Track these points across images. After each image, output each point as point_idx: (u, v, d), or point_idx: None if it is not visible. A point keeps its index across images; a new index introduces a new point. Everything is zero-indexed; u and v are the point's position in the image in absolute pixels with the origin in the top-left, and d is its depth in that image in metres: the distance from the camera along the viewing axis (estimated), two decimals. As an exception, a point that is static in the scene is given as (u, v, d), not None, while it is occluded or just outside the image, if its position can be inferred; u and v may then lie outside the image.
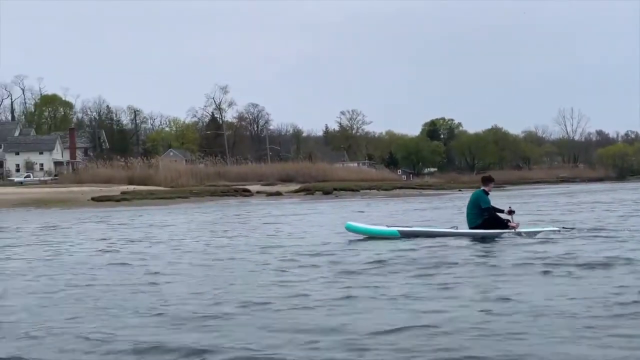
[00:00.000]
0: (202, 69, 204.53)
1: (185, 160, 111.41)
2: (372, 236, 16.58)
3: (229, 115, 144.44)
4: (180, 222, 30.11)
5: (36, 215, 43.58)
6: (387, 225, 17.79)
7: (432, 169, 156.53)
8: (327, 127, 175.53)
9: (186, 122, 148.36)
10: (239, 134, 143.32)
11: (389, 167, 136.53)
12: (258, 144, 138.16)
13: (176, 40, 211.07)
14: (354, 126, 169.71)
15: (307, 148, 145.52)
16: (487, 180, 17.31)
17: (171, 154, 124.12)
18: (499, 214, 16.68)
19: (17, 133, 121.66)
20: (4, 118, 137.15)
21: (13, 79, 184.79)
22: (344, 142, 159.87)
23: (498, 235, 16.00)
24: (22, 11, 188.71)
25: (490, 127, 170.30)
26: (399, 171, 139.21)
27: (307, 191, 74.68)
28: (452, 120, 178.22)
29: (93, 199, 62.17)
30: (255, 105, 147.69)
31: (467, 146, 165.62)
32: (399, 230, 16.67)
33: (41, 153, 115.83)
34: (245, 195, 69.82)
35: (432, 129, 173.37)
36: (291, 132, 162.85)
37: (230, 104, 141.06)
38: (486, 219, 16.42)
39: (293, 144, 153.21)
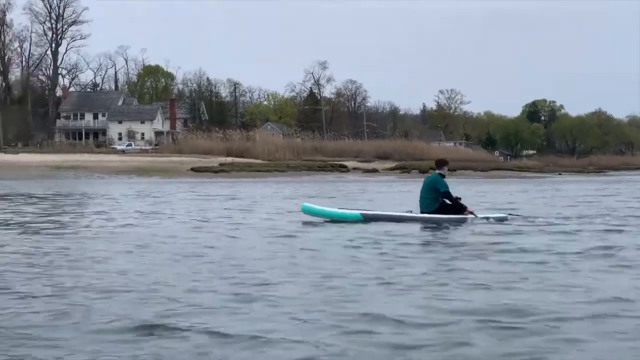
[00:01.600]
0: (302, 43, 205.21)
1: (282, 134, 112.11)
2: (333, 219, 15.26)
3: (327, 91, 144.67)
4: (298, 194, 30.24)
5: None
6: (342, 208, 16.34)
7: (531, 152, 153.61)
8: (424, 106, 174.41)
9: (284, 96, 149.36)
10: (337, 110, 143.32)
11: (486, 148, 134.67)
12: (355, 121, 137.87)
13: (277, 14, 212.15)
14: (452, 106, 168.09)
15: (403, 126, 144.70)
16: (442, 163, 16.17)
17: (269, 127, 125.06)
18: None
19: (120, 102, 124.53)
20: (107, 87, 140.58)
21: (117, 49, 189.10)
22: (441, 121, 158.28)
23: (462, 221, 14.99)
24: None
25: (593, 110, 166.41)
26: (497, 152, 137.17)
27: (403, 169, 74.38)
28: (554, 102, 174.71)
29: (192, 169, 63.31)
30: (353, 82, 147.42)
31: (568, 129, 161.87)
32: (361, 214, 15.39)
33: (142, 122, 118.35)
34: (341, 171, 69.96)
35: (533, 111, 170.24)
36: (388, 109, 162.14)
37: (329, 80, 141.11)
38: (442, 204, 15.40)
39: (390, 122, 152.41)
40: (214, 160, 71.21)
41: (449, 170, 16.40)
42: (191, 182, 48.74)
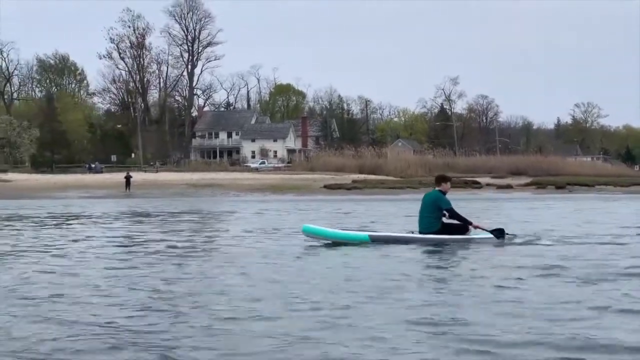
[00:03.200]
0: (432, 59, 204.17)
1: (414, 151, 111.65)
2: (337, 241, 13.97)
3: (459, 107, 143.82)
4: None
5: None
6: (345, 229, 15.31)
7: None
8: (559, 120, 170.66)
9: (415, 112, 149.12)
10: (468, 125, 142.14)
11: (625, 162, 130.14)
12: (487, 136, 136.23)
13: (406, 30, 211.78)
14: (589, 119, 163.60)
15: (537, 141, 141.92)
16: (441, 180, 14.98)
17: (399, 144, 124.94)
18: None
19: (253, 121, 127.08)
20: (240, 106, 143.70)
21: (249, 68, 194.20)
22: (577, 135, 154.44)
23: (483, 241, 14.00)
24: (257, 6, 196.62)
25: None
26: (637, 167, 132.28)
27: (539, 185, 72.61)
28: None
29: (325, 186, 63.63)
30: (484, 97, 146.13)
31: None
32: (369, 235, 14.29)
33: (275, 140, 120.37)
34: (474, 187, 68.89)
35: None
36: (521, 124, 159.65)
37: (460, 96, 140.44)
38: (445, 224, 14.27)
39: (523, 137, 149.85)
40: (347, 178, 71.41)
41: (451, 185, 15.18)
42: (326, 199, 48.97)
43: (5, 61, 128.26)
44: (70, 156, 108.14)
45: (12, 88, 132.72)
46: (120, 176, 69.70)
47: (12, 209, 34.86)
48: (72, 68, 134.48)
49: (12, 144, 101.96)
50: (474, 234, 14.37)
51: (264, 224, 21.45)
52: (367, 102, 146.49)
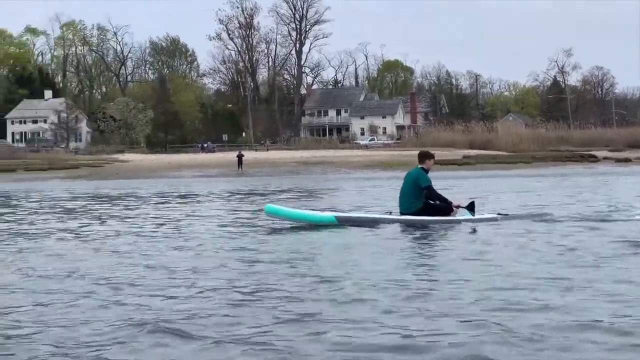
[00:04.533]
0: (545, 31, 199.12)
1: (525, 125, 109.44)
2: (302, 222, 13.24)
3: (573, 79, 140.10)
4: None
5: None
6: (308, 209, 14.35)
7: None
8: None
9: (526, 86, 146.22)
10: (582, 97, 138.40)
11: None
12: (602, 108, 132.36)
13: (518, 3, 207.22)
14: None
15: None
16: (424, 157, 13.98)
17: (510, 118, 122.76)
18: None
19: (361, 98, 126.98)
20: (348, 84, 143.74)
21: (357, 46, 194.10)
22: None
23: (453, 222, 12.93)
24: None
25: None
26: None
27: (659, 158, 70.26)
28: None
29: (436, 162, 63.04)
30: (600, 68, 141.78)
31: None
32: (335, 217, 13.44)
33: (384, 117, 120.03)
34: (591, 161, 67.09)
35: None
36: (638, 95, 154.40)
37: (574, 67, 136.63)
38: (426, 203, 13.34)
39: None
40: (457, 153, 70.65)
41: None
42: (436, 175, 48.41)
43: (120, 44, 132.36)
44: (183, 136, 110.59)
45: (127, 71, 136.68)
46: (231, 155, 70.78)
47: (141, 187, 35.81)
48: (183, 50, 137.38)
49: (129, 125, 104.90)
50: (459, 215, 13.46)
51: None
52: (476, 77, 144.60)
